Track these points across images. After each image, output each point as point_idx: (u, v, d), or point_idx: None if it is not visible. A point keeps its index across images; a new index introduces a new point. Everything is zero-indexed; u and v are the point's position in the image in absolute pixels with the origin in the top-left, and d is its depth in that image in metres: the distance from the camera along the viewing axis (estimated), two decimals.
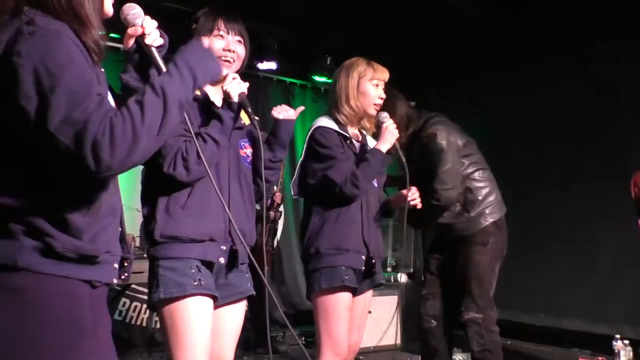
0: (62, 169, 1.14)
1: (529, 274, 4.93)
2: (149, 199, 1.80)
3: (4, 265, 1.11)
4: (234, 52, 1.87)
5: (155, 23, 1.48)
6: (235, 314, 1.91)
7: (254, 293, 1.92)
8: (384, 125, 2.43)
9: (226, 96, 1.82)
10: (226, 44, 1.86)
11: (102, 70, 1.28)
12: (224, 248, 1.81)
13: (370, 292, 2.47)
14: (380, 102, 2.44)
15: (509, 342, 4.77)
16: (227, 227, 1.81)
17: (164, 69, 1.43)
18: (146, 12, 1.48)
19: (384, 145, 2.39)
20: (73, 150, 1.07)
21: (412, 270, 5.43)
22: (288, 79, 5.62)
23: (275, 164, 2.02)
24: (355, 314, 2.38)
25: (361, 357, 4.32)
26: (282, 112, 2.04)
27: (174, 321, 1.72)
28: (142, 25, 1.45)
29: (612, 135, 4.45)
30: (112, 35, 3.74)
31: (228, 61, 1.87)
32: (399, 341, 4.74)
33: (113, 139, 1.08)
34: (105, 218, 1.24)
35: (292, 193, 2.44)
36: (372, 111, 2.44)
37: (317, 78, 5.63)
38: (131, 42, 1.48)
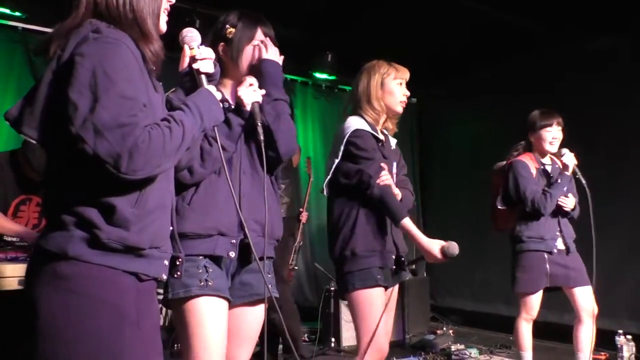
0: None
1: None
2: None
3: (56, 254, 1.21)
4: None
5: (211, 53, 1.57)
6: (252, 317, 1.85)
7: (277, 295, 1.84)
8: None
9: (239, 101, 1.80)
10: (262, 55, 1.87)
11: (160, 83, 1.40)
12: (234, 242, 1.76)
13: (396, 288, 2.46)
14: (405, 99, 2.49)
15: (511, 338, 4.78)
16: (238, 220, 1.75)
17: None
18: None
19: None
20: (111, 148, 1.16)
21: (414, 266, 5.44)
22: (289, 76, 5.61)
23: (275, 103, 1.89)
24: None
25: None
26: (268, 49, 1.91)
27: (183, 322, 1.70)
28: (191, 47, 1.54)
29: (618, 130, 4.44)
30: None
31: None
32: (401, 337, 4.75)
33: (150, 147, 1.19)
34: (153, 212, 1.30)
35: (325, 192, 2.43)
36: (400, 109, 2.49)
37: (318, 75, 5.62)
38: (185, 63, 1.56)
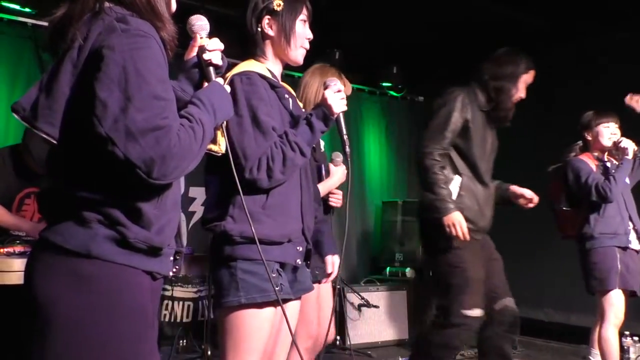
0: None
1: (537, 270, 4.92)
2: (220, 196, 1.70)
3: (77, 252, 1.13)
4: (310, 40, 1.86)
5: (220, 45, 1.47)
6: (294, 312, 1.84)
7: (313, 288, 1.89)
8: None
9: (326, 107, 1.75)
10: (308, 33, 1.83)
11: None
12: (300, 249, 1.76)
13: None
14: None
15: (517, 338, 4.77)
16: (302, 227, 1.77)
17: None
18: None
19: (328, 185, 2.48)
20: (144, 153, 1.08)
21: (419, 265, 5.43)
22: (296, 74, 5.60)
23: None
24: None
25: (369, 352, 4.33)
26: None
27: (244, 326, 1.65)
28: (201, 36, 1.45)
29: (627, 129, 4.40)
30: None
31: (306, 49, 1.84)
32: (406, 336, 4.74)
33: (180, 150, 1.12)
34: (170, 210, 1.25)
35: None
36: None
37: None
38: (192, 53, 1.47)
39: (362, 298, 4.56)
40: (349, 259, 5.60)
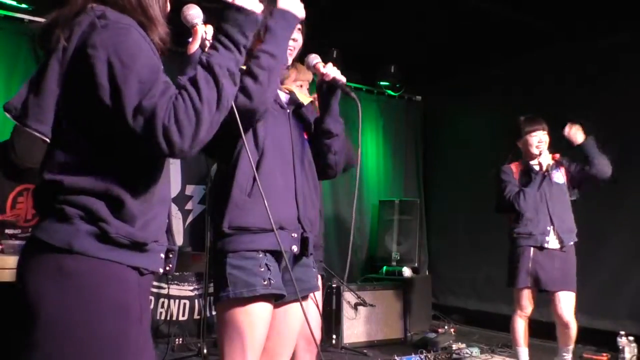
0: (127, 156, 1.18)
1: None
2: (213, 191, 1.71)
3: (60, 248, 1.14)
4: (296, 40, 1.81)
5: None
6: (299, 312, 1.76)
7: (320, 289, 1.86)
8: None
9: (330, 79, 1.83)
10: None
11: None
12: (295, 235, 1.71)
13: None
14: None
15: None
16: (297, 214, 1.72)
17: None
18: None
19: None
20: (147, 137, 1.11)
21: (416, 264, 5.44)
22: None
23: (335, 138, 1.90)
24: None
25: (365, 351, 4.33)
26: (333, 73, 1.88)
27: (236, 321, 1.64)
28: (195, 23, 1.45)
29: (625, 130, 4.41)
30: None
31: (290, 50, 1.79)
32: (402, 335, 4.75)
33: (178, 122, 1.12)
34: (156, 206, 1.26)
35: None
36: None
37: None
38: (194, 47, 1.46)
39: (359, 297, 4.56)
40: (346, 258, 5.60)
